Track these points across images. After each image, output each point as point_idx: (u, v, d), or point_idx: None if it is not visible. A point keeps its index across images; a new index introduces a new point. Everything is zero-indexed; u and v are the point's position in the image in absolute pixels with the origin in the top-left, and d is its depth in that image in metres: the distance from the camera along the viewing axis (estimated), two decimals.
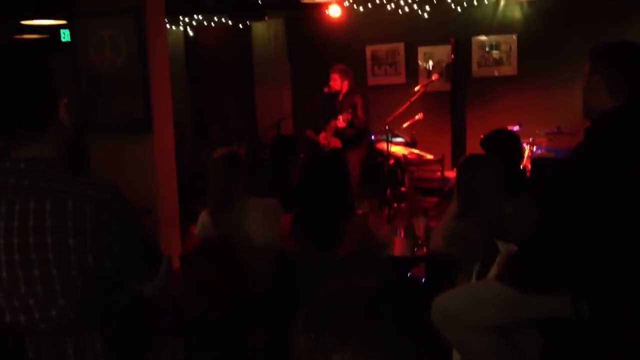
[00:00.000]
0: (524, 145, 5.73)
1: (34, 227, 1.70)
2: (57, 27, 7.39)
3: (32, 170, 1.75)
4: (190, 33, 9.02)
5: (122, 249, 1.80)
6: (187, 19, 8.77)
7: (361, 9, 7.84)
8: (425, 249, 3.59)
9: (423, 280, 3.59)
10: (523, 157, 5.03)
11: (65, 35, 8.00)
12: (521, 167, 4.69)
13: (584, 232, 2.35)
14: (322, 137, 6.91)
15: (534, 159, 5.43)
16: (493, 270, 2.83)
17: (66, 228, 1.70)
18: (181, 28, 8.97)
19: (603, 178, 2.31)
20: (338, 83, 6.90)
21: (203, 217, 3.57)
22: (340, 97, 6.93)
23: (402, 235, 3.86)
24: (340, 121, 6.63)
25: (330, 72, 6.95)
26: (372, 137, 6.87)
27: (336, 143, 6.77)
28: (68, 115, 1.87)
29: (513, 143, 3.93)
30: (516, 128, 5.86)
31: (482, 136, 3.98)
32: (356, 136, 6.79)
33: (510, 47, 7.57)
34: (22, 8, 5.04)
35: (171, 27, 8.56)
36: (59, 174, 1.76)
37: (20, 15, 5.34)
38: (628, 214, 2.32)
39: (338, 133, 6.79)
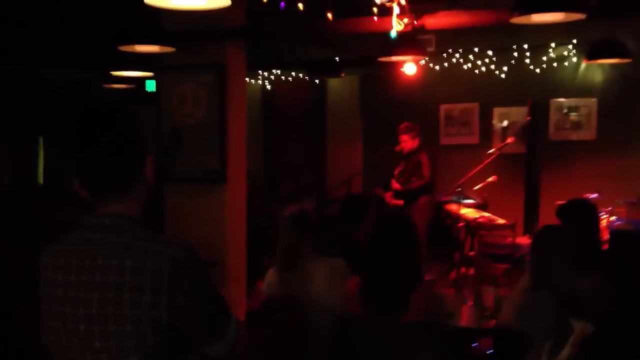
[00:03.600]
0: (602, 214, 5.53)
1: (114, 282, 1.74)
2: (143, 78, 7.74)
3: (116, 227, 1.80)
4: (268, 86, 9.25)
5: (194, 308, 1.82)
6: (265, 74, 9.01)
7: (437, 67, 7.84)
8: (494, 321, 3.48)
9: (488, 353, 3.47)
10: (600, 228, 4.86)
11: (149, 86, 8.38)
12: (598, 238, 4.52)
13: None
14: (388, 196, 6.87)
15: (612, 231, 5.23)
16: (566, 350, 2.72)
17: (144, 285, 1.73)
18: (259, 82, 9.22)
19: None
20: (409, 144, 6.72)
21: (270, 275, 3.59)
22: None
23: (470, 304, 3.76)
24: (395, 183, 6.59)
25: (399, 134, 6.76)
26: (442, 199, 6.74)
27: (398, 202, 6.69)
28: (152, 170, 1.91)
29: (590, 215, 3.81)
30: (594, 195, 5.68)
31: (557, 203, 3.89)
32: (415, 193, 6.58)
33: (590, 111, 7.39)
34: (112, 60, 5.33)
35: (249, 80, 8.80)
36: (142, 231, 1.81)
37: (111, 67, 5.64)
38: None
39: (397, 194, 6.72)
